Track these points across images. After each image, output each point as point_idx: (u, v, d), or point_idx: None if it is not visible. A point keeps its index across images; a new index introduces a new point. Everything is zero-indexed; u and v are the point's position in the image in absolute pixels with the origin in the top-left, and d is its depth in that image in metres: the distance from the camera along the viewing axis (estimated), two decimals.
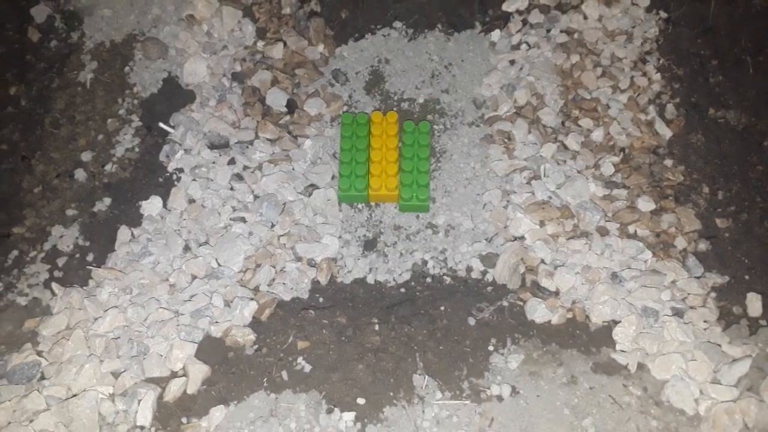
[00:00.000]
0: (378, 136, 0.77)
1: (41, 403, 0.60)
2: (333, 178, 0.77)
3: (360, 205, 0.77)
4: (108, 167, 0.80)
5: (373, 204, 0.77)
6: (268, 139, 0.79)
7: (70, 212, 0.77)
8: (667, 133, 0.78)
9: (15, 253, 0.75)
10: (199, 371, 0.62)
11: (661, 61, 0.84)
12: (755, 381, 0.59)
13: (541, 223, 0.72)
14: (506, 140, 0.78)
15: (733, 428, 0.57)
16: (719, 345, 0.62)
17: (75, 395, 0.60)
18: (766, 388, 0.58)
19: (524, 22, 0.87)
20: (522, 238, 0.72)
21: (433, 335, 0.64)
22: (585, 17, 0.86)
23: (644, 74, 0.83)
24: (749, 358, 0.60)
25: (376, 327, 0.65)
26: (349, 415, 0.59)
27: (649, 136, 0.78)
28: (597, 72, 0.82)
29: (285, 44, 0.87)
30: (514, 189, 0.75)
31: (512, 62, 0.84)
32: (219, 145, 0.79)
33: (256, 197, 0.75)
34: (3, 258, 0.74)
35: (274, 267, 0.70)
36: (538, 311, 0.66)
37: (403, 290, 0.70)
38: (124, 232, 0.74)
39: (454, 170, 0.78)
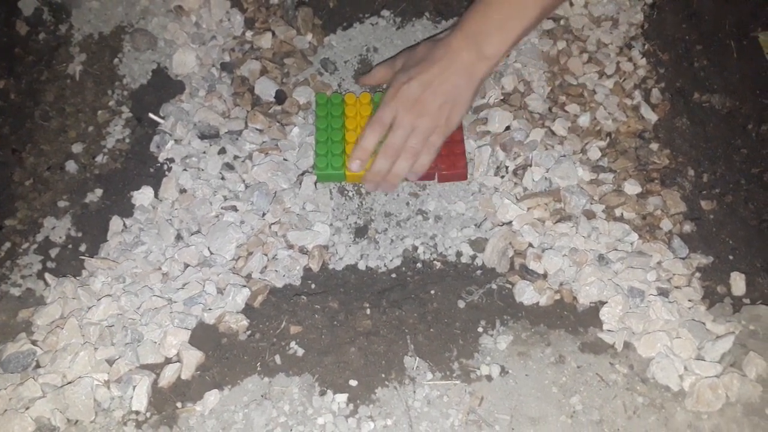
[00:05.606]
0: (352, 118, 0.77)
1: (37, 391, 0.60)
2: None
3: (350, 193, 0.78)
4: (99, 158, 0.80)
5: (363, 192, 0.78)
6: (257, 129, 0.80)
7: (61, 204, 0.77)
8: (652, 117, 0.79)
9: (8, 245, 0.75)
10: (193, 357, 0.62)
11: (646, 47, 0.84)
12: (738, 357, 0.61)
13: (529, 208, 0.73)
14: None
15: (716, 402, 0.58)
16: (703, 323, 0.63)
17: (70, 382, 0.61)
18: (749, 363, 0.60)
19: None
20: (510, 222, 0.73)
21: (423, 318, 0.65)
22: (571, 3, 0.87)
23: (630, 59, 0.83)
24: (732, 335, 0.61)
25: (368, 311, 0.66)
26: (342, 397, 0.60)
27: (635, 121, 0.79)
28: (583, 58, 0.83)
29: (273, 34, 0.87)
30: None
31: None
32: (209, 135, 0.79)
33: (247, 186, 0.76)
34: None
35: (266, 255, 0.71)
36: (527, 293, 0.67)
37: (394, 275, 0.71)
38: (116, 223, 0.74)
39: None
